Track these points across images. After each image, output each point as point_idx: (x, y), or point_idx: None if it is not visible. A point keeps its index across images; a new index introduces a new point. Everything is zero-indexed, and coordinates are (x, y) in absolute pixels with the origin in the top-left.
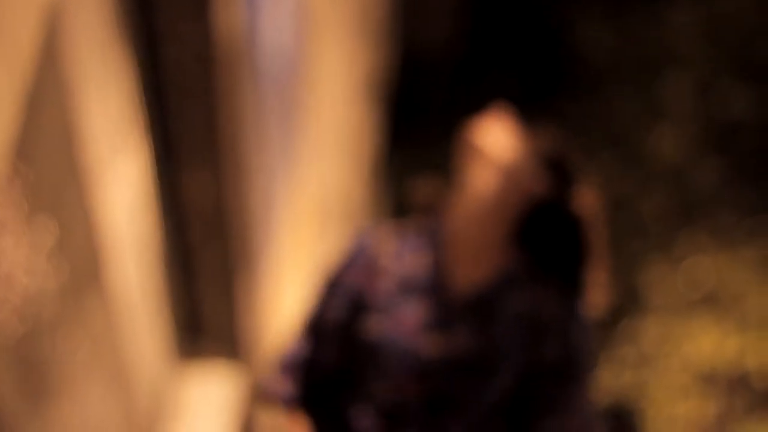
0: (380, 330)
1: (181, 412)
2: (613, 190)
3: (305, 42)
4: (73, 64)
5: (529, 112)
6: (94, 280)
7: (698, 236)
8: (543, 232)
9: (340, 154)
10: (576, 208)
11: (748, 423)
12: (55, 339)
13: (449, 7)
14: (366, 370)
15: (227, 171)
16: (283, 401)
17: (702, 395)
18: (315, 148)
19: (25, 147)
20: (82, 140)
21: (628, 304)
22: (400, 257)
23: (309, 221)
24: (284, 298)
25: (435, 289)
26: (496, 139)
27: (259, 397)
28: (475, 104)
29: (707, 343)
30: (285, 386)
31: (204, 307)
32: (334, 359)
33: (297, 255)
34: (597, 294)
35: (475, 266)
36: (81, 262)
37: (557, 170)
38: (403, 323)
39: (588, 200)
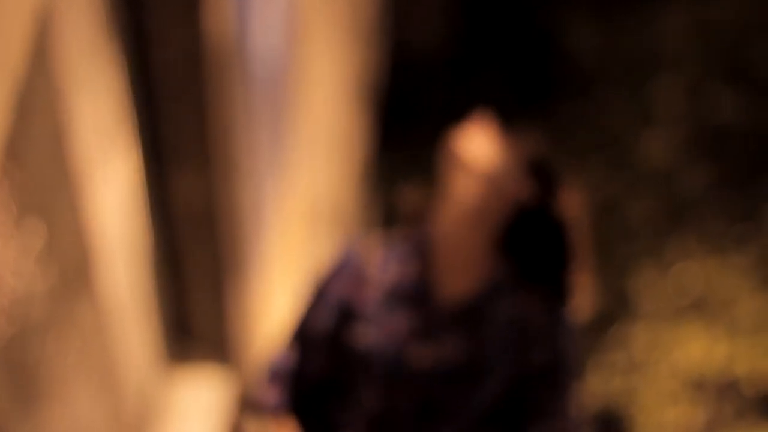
0: (369, 339)
1: (170, 414)
2: (601, 194)
3: (295, 44)
4: (64, 66)
5: (519, 114)
6: (84, 282)
7: (687, 241)
8: (527, 238)
9: (330, 156)
10: (560, 212)
11: (738, 429)
12: (44, 341)
13: (440, 9)
14: (355, 378)
15: (217, 173)
16: (272, 410)
17: (691, 401)
18: (305, 151)
19: (15, 148)
20: (71, 142)
21: (617, 309)
22: (387, 267)
23: (299, 223)
24: (273, 300)
25: (422, 298)
26: (477, 148)
27: (247, 407)
28: (465, 106)
29: (696, 349)
30: (273, 395)
31: (193, 310)
32: (322, 368)
33: (286, 258)
34: (583, 298)
35: (461, 275)
36: (70, 264)
37: (541, 175)
38: (391, 332)
39: (573, 203)
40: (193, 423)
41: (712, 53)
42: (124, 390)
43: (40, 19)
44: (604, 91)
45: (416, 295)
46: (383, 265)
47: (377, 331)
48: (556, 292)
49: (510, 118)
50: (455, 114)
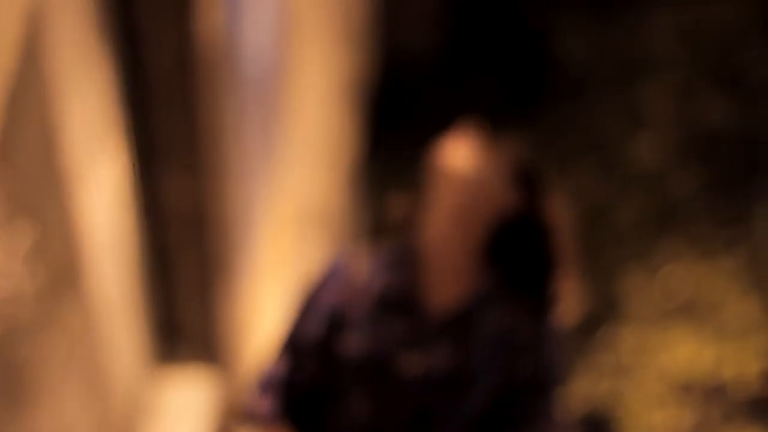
0: (359, 347)
1: (158, 415)
2: (591, 196)
3: (286, 46)
4: (54, 67)
5: (510, 116)
6: (72, 283)
7: (676, 244)
8: (514, 246)
9: (320, 158)
10: (546, 219)
11: None
12: (32, 342)
13: (431, 11)
14: (346, 386)
15: (207, 175)
16: (265, 419)
17: (679, 404)
18: (295, 153)
19: (5, 149)
20: (62, 143)
21: (604, 312)
22: (376, 275)
23: (288, 226)
24: (262, 302)
25: (412, 306)
26: (461, 158)
27: (241, 416)
28: (456, 109)
29: (684, 352)
30: (266, 404)
31: (182, 311)
32: (314, 376)
33: (275, 260)
34: (569, 304)
35: (449, 284)
36: (59, 265)
37: (526, 182)
38: (381, 340)
39: (559, 210)
40: (181, 424)
41: (702, 56)
42: (112, 391)
43: (31, 20)
44: (595, 94)
45: (405, 304)
46: (372, 274)
47: (367, 339)
48: (543, 299)
49: (500, 121)
50: (446, 117)
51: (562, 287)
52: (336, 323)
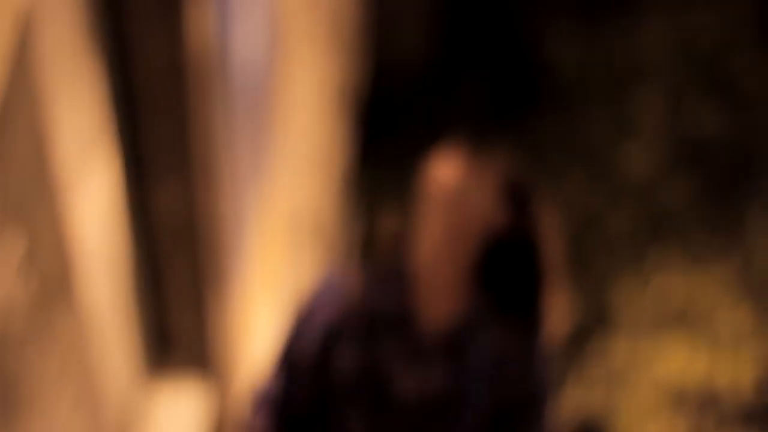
0: (353, 367)
1: (150, 426)
2: (582, 206)
3: (277, 55)
4: (45, 76)
5: (500, 125)
6: (64, 292)
7: (668, 253)
8: (504, 264)
9: (311, 168)
10: (536, 235)
11: None
12: (23, 352)
13: (422, 20)
14: (341, 404)
15: (198, 184)
16: None
17: (672, 413)
18: (286, 162)
19: None
20: (52, 152)
21: (596, 322)
22: (369, 294)
23: (279, 235)
24: (254, 312)
25: (405, 326)
26: (449, 177)
27: None
28: (447, 118)
29: (677, 361)
30: (261, 421)
31: (174, 321)
32: (309, 394)
33: (267, 269)
34: (558, 319)
35: (442, 303)
36: (51, 274)
37: (516, 198)
38: (375, 360)
39: (548, 224)
40: None
41: (693, 64)
42: (104, 401)
43: (21, 28)
44: (586, 102)
45: (399, 322)
46: (365, 292)
47: (361, 358)
48: (532, 317)
49: (490, 128)
50: (436, 125)
51: (550, 302)
52: (329, 341)
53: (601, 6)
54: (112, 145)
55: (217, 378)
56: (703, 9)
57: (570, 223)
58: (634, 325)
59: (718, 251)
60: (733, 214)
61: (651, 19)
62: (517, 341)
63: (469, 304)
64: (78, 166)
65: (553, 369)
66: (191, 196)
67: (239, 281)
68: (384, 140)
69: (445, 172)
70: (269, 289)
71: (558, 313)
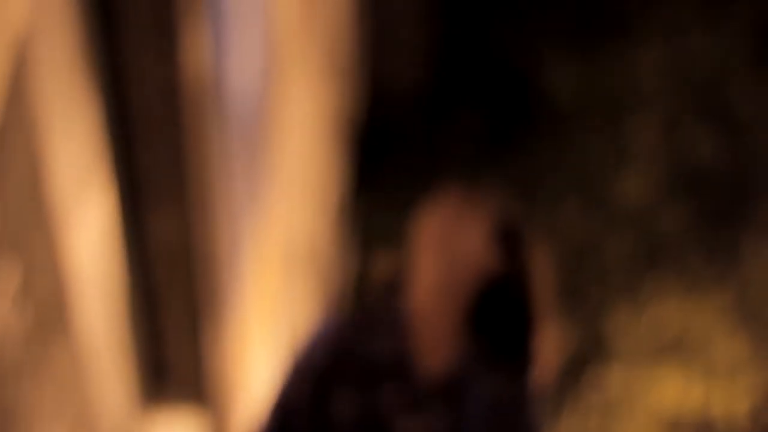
0: (353, 416)
1: None
2: (577, 234)
3: (272, 83)
4: (40, 103)
5: (494, 152)
6: (59, 322)
7: (664, 281)
8: (495, 309)
9: (307, 195)
10: (527, 279)
11: None
12: (19, 383)
13: (417, 47)
14: None
15: (193, 213)
16: None
17: None
18: (281, 190)
19: None
20: (48, 180)
21: (592, 351)
22: (365, 342)
23: (275, 264)
24: (250, 342)
25: (403, 374)
26: (441, 229)
27: None
28: (442, 146)
29: (673, 390)
30: None
31: (170, 351)
32: None
33: (263, 299)
34: (548, 361)
35: (439, 349)
36: (46, 304)
37: (507, 243)
38: (374, 407)
39: (540, 266)
40: None
41: (689, 90)
42: (100, 431)
43: (17, 55)
44: (581, 130)
45: (396, 370)
46: (360, 339)
47: (359, 405)
48: (523, 362)
49: (485, 158)
50: (432, 154)
51: (540, 344)
52: (323, 388)
53: (597, 32)
54: (108, 173)
55: (212, 410)
56: (699, 35)
57: (565, 250)
58: (629, 354)
59: (714, 279)
60: (729, 242)
61: (647, 45)
62: (510, 387)
63: (463, 350)
64: (73, 195)
65: (543, 411)
66: (187, 224)
67: (235, 311)
68: (379, 168)
69: (438, 219)
70: (265, 319)
71: (548, 354)
